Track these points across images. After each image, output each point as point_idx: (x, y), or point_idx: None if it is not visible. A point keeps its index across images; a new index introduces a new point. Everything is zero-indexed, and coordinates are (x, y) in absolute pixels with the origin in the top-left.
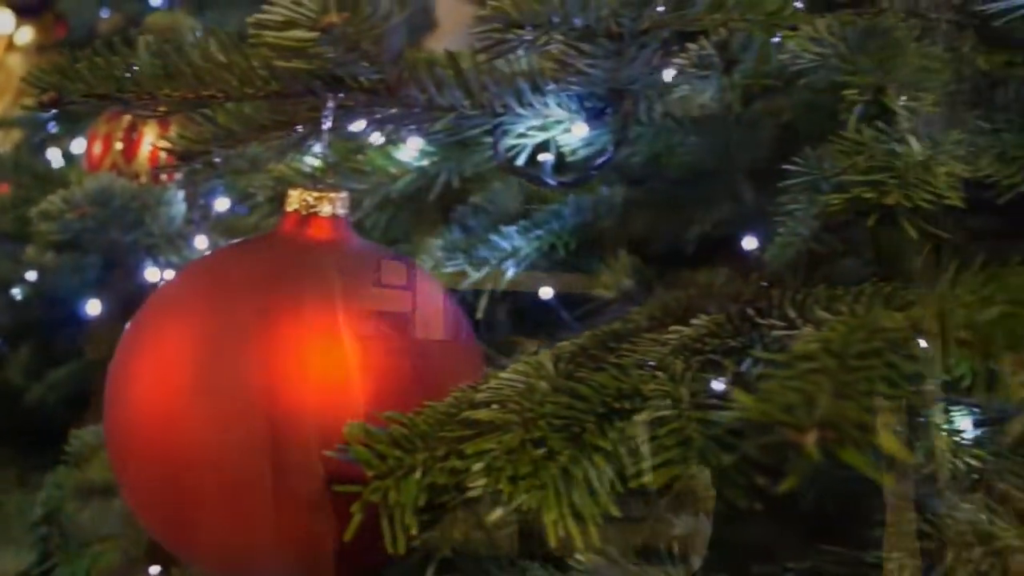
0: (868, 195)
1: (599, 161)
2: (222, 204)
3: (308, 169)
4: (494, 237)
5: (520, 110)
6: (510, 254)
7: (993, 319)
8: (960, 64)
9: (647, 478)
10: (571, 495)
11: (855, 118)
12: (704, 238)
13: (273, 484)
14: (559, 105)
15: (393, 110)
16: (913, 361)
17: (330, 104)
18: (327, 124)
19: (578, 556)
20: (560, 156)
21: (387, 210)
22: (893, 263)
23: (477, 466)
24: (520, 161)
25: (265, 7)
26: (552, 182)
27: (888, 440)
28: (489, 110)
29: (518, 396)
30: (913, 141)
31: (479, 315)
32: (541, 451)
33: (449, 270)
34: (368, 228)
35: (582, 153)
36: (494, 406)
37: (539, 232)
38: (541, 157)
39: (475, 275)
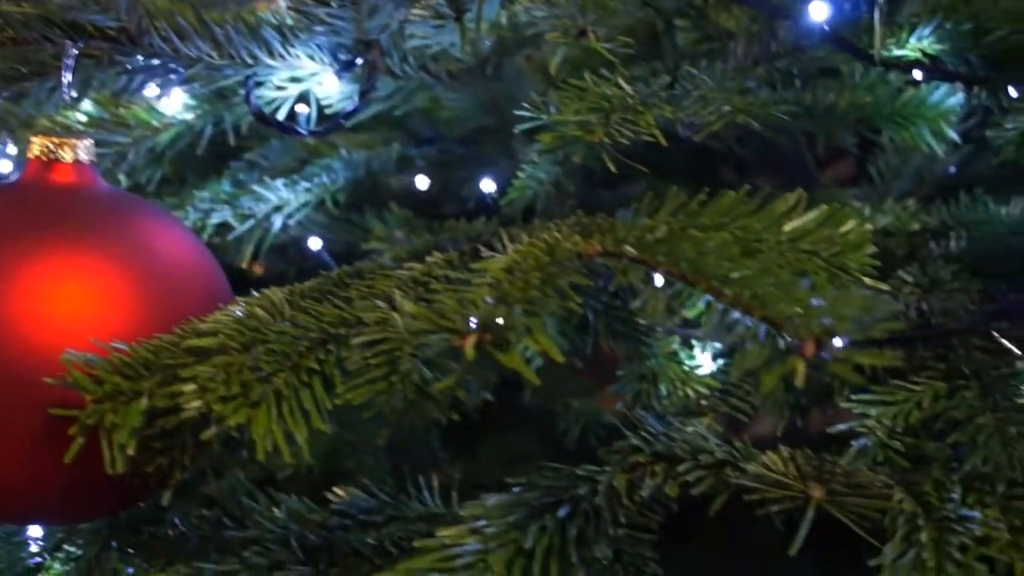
0: (575, 132)
1: (347, 111)
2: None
3: (72, 122)
4: (259, 189)
5: (270, 61)
6: (277, 207)
7: (694, 245)
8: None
9: (351, 395)
10: (282, 414)
11: (556, 61)
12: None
13: (21, 422)
14: (311, 56)
15: (140, 60)
16: (586, 276)
17: (71, 52)
18: (68, 73)
19: (336, 489)
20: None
21: (160, 165)
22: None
23: (189, 387)
24: (282, 114)
25: None
26: (303, 132)
27: (543, 340)
28: (239, 61)
29: (238, 325)
30: (625, 85)
31: (243, 265)
32: (255, 374)
33: (214, 221)
34: (143, 184)
35: (340, 106)
36: (220, 336)
37: (308, 185)
38: (298, 108)
39: (240, 227)
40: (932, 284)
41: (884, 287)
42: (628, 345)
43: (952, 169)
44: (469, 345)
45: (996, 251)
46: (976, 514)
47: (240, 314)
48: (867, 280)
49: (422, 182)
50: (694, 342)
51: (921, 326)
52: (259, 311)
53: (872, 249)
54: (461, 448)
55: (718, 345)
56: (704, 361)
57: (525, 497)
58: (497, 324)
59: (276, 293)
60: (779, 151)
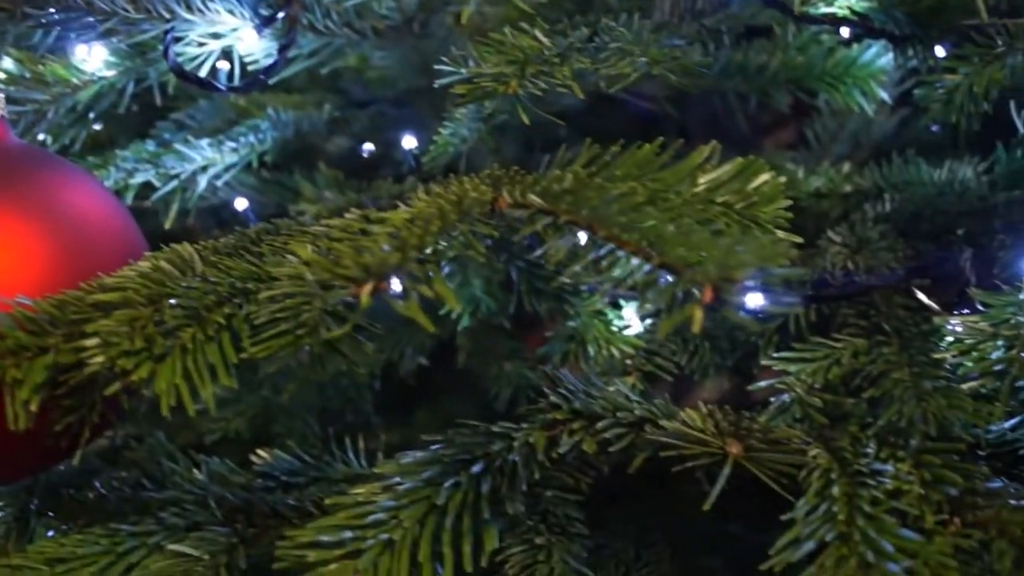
0: (489, 85)
1: (267, 67)
2: None
3: None
4: (183, 148)
5: (189, 16)
6: (202, 167)
7: (598, 194)
8: None
9: (256, 349)
10: (188, 369)
11: (468, 12)
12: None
13: None
14: (231, 11)
15: (54, 13)
16: (494, 227)
17: None
18: None
19: (259, 452)
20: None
21: (84, 125)
22: None
23: (93, 342)
24: (204, 71)
25: None
26: (222, 88)
27: (440, 288)
28: (156, 15)
29: (144, 279)
30: (542, 38)
31: (168, 225)
32: (160, 328)
33: (136, 181)
34: (68, 145)
35: (263, 63)
36: (127, 290)
37: (234, 145)
38: (220, 65)
39: (163, 187)
40: (860, 244)
41: (797, 239)
42: (551, 304)
43: (888, 132)
44: (364, 294)
45: (923, 212)
46: (889, 468)
47: (147, 268)
48: (779, 233)
49: (358, 145)
50: (622, 302)
51: (845, 284)
52: (166, 265)
53: (786, 202)
54: (396, 413)
55: (648, 306)
56: (632, 321)
57: (440, 454)
58: (394, 272)
59: (187, 248)
60: (721, 118)
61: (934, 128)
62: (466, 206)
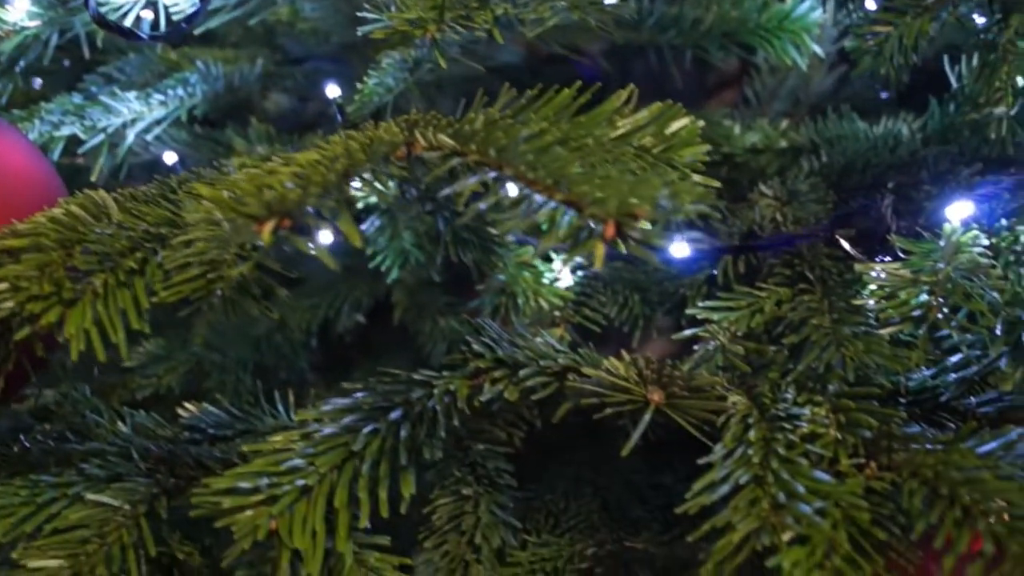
0: (406, 29)
1: (188, 15)
2: None
3: None
4: (110, 101)
5: None
6: (130, 120)
7: (507, 135)
8: None
9: (167, 294)
10: (99, 314)
11: None
12: None
13: None
14: None
15: None
16: (399, 167)
17: None
18: None
19: (186, 404)
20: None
21: (9, 78)
22: None
23: (2, 286)
24: (129, 21)
25: None
26: (144, 37)
27: (345, 226)
28: None
29: (55, 224)
30: None
31: (94, 178)
32: (71, 273)
33: (62, 134)
34: None
35: (190, 12)
36: (38, 235)
37: (162, 98)
38: (143, 14)
39: (90, 140)
40: (790, 197)
41: (715, 184)
42: (477, 255)
43: (826, 90)
44: (266, 231)
45: (855, 164)
46: (805, 412)
47: (59, 214)
48: (696, 176)
49: (294, 101)
50: (553, 255)
51: (772, 235)
52: (79, 211)
53: (706, 147)
54: (333, 371)
55: (579, 259)
56: (563, 274)
57: (361, 402)
58: (296, 209)
59: (101, 194)
60: (665, 78)
61: (875, 87)
62: (376, 148)
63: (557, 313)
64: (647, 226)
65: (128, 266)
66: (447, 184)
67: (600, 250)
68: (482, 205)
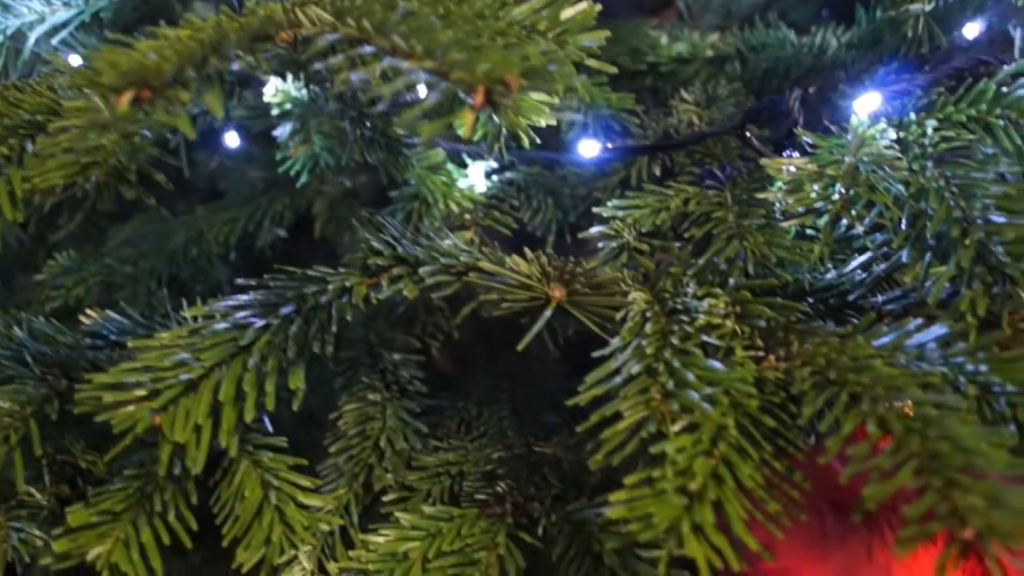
0: None
1: None
2: None
3: None
4: (9, 0)
5: None
6: (31, 21)
7: (384, 9)
8: None
9: (39, 180)
10: None
11: None
12: None
13: None
14: None
15: None
16: (278, 46)
17: None
18: None
19: (88, 311)
20: None
21: None
22: None
23: None
24: None
25: None
26: None
27: (211, 102)
28: None
29: None
30: None
31: None
32: None
33: None
34: None
35: None
36: None
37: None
38: None
39: None
40: (709, 102)
41: (611, 69)
42: (383, 155)
43: (757, 3)
44: (124, 101)
45: (776, 70)
46: (703, 304)
47: None
48: (591, 62)
49: (212, 9)
50: (468, 160)
51: (685, 135)
52: None
53: (604, 33)
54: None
55: (492, 164)
56: (477, 179)
57: (254, 299)
58: (156, 80)
59: None
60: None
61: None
62: (250, 23)
63: (467, 216)
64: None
65: (1, 154)
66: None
67: (468, 118)
68: (354, 76)
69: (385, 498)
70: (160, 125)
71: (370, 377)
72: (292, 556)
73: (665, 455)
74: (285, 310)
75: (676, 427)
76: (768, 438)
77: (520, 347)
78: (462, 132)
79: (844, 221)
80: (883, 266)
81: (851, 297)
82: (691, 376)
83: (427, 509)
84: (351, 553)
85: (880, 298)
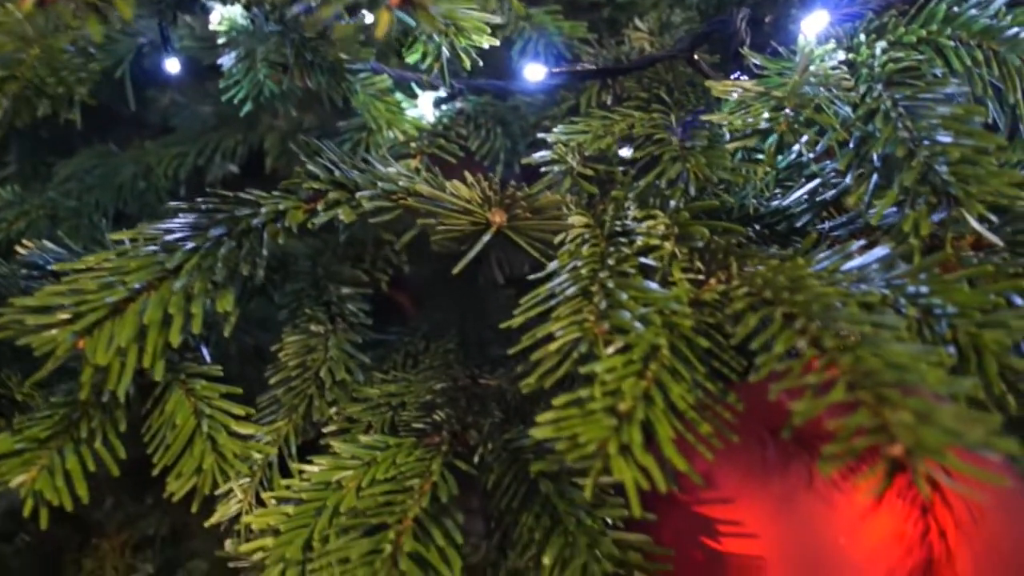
0: None
1: None
2: None
3: None
4: None
5: None
6: None
7: None
8: None
9: None
10: None
11: None
12: None
13: None
14: None
15: None
16: None
17: None
18: None
19: (24, 241)
20: None
21: None
22: None
23: None
24: None
25: None
26: None
27: (121, 5)
28: None
29: None
30: None
31: None
32: None
33: None
34: None
35: None
36: None
37: None
38: None
39: None
40: (662, 29)
41: None
42: (326, 79)
43: None
44: (27, 3)
45: None
46: (642, 225)
47: None
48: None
49: None
50: (416, 89)
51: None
52: None
53: None
54: None
55: (441, 93)
56: (426, 109)
57: (184, 221)
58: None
59: None
60: None
61: None
62: None
63: (413, 145)
64: None
65: None
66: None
67: (385, 19)
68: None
69: (325, 430)
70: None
71: (313, 309)
72: (228, 489)
73: (595, 375)
74: (215, 232)
75: (609, 349)
76: (702, 360)
77: (455, 271)
78: (377, 33)
79: (796, 148)
80: (831, 192)
81: (798, 223)
82: (624, 296)
83: (363, 438)
84: (284, 482)
85: (827, 224)
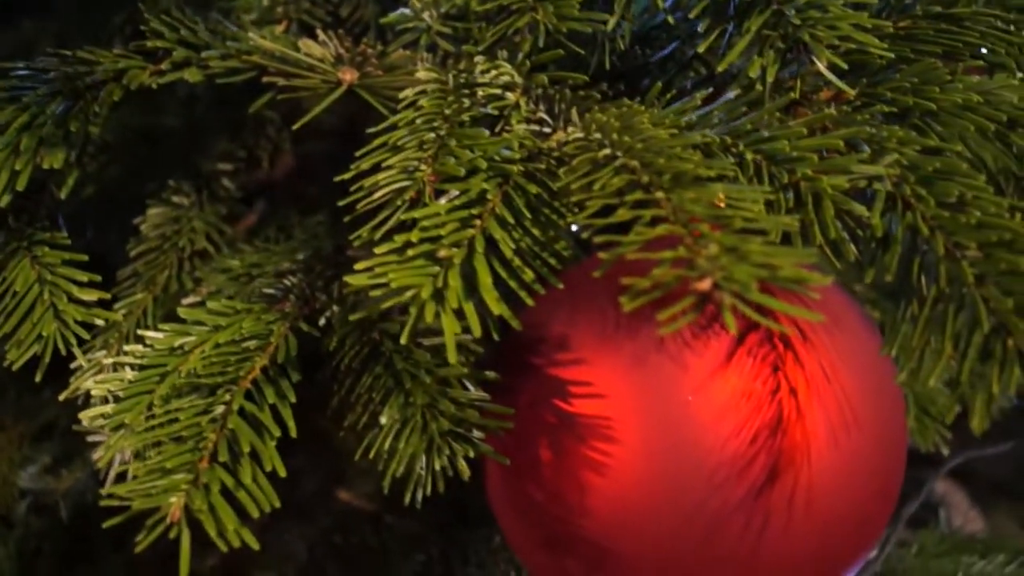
0: None
1: None
2: None
3: None
4: None
5: None
6: None
7: None
8: None
9: None
10: None
11: None
12: None
13: None
14: None
15: None
16: None
17: None
18: None
19: None
20: None
21: None
22: None
23: None
24: None
25: None
26: None
27: None
28: None
29: None
30: None
31: None
32: None
33: None
34: None
35: None
36: None
37: None
38: None
39: None
40: None
41: None
42: None
43: None
44: None
45: None
46: (486, 76)
47: None
48: None
49: None
50: None
51: None
52: None
53: None
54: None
55: None
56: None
57: (13, 80)
58: None
59: None
60: None
61: None
62: None
63: (280, 9)
64: None
65: None
66: None
67: None
68: None
69: (184, 301)
70: None
71: (179, 182)
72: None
73: (416, 221)
74: (44, 89)
75: (442, 200)
76: (532, 207)
77: (295, 127)
78: None
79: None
80: (691, 51)
81: (662, 81)
82: (454, 143)
83: (211, 304)
84: (127, 347)
85: (689, 83)
